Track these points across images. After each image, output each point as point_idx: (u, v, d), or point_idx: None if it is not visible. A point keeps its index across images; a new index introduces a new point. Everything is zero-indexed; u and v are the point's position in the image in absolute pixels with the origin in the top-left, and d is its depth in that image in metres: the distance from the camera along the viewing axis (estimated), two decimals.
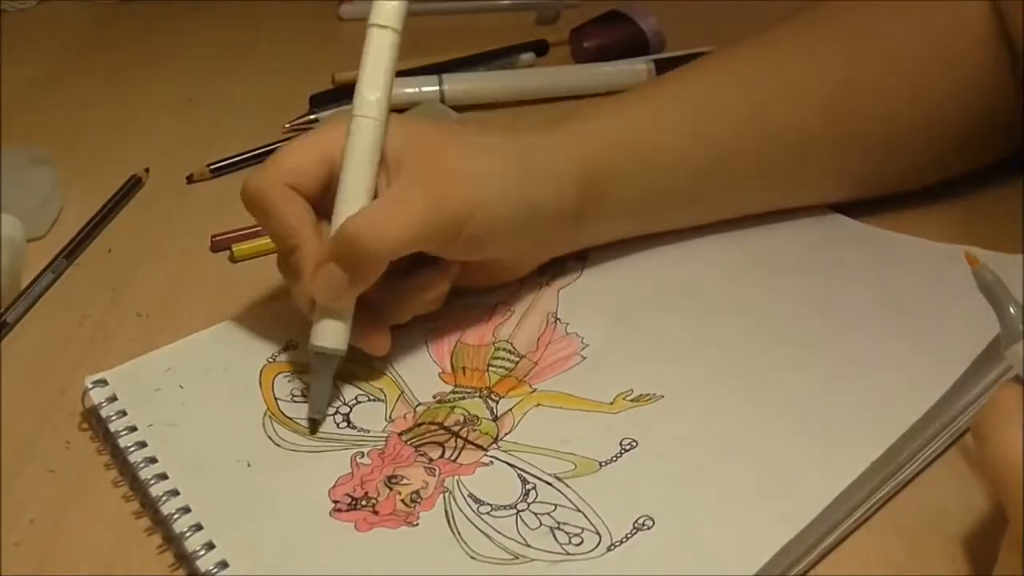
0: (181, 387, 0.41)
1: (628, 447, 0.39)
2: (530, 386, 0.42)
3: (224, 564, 0.34)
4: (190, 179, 0.57)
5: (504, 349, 0.44)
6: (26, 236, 0.51)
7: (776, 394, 0.41)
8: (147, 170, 0.57)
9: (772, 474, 0.37)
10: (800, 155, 0.48)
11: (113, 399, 0.41)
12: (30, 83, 0.66)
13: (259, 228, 0.52)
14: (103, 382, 0.41)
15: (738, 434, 0.39)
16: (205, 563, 0.34)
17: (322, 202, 0.41)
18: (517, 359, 0.44)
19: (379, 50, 0.41)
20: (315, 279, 0.39)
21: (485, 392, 0.42)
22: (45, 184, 0.54)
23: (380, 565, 0.35)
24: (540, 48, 0.69)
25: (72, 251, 0.51)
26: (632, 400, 0.41)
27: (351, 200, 0.40)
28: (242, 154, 0.59)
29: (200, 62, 0.69)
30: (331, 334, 0.40)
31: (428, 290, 0.43)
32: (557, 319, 0.46)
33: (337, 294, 0.39)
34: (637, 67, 0.65)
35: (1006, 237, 0.48)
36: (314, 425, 0.40)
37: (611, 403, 0.41)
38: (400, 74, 0.64)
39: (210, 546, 0.35)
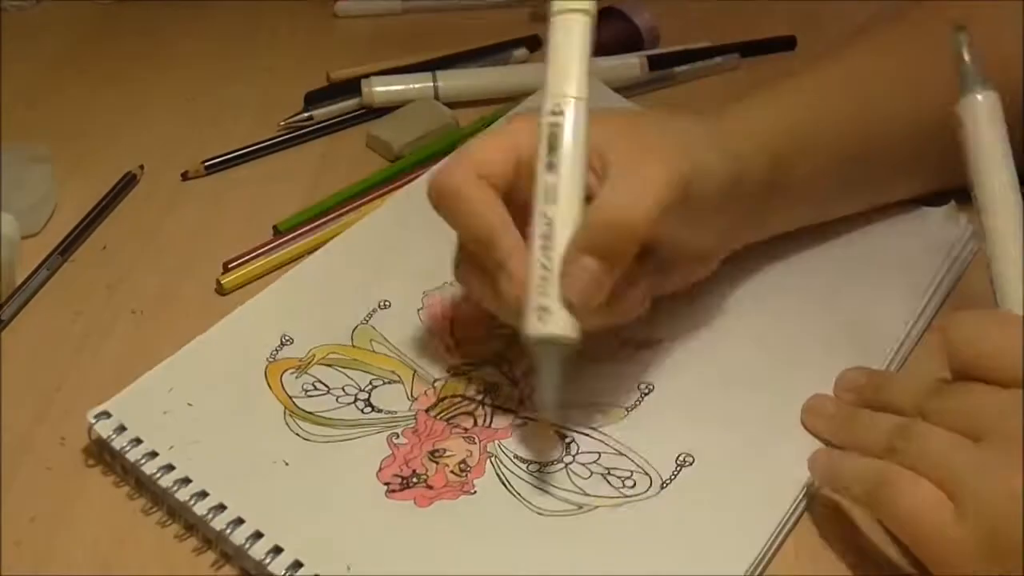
0: (190, 404, 0.41)
1: (647, 391, 0.42)
2: None
3: (298, 564, 0.35)
4: (185, 176, 0.57)
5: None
6: (21, 233, 0.51)
7: (769, 325, 0.44)
8: (142, 167, 0.58)
9: (786, 396, 0.41)
10: (936, 145, 0.46)
11: (122, 429, 0.40)
12: (27, 81, 0.66)
13: (255, 253, 0.51)
14: (106, 414, 0.40)
15: (743, 365, 0.42)
16: (277, 567, 0.35)
17: (513, 194, 0.39)
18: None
19: (572, 36, 0.39)
20: (570, 277, 0.36)
21: (495, 360, 0.43)
22: (40, 181, 0.54)
23: (454, 536, 0.36)
24: (533, 43, 0.69)
25: (67, 248, 0.52)
26: (636, 347, 0.43)
27: (574, 187, 0.37)
28: (237, 151, 0.59)
29: (196, 60, 0.69)
30: (556, 320, 0.37)
31: (641, 285, 0.40)
32: None
33: (598, 287, 0.37)
34: (630, 61, 0.65)
35: None
36: (546, 427, 0.39)
37: (617, 353, 0.43)
38: (393, 71, 0.65)
39: (277, 550, 0.35)
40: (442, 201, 0.39)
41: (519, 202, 0.39)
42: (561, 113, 0.38)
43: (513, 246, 0.38)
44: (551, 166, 0.37)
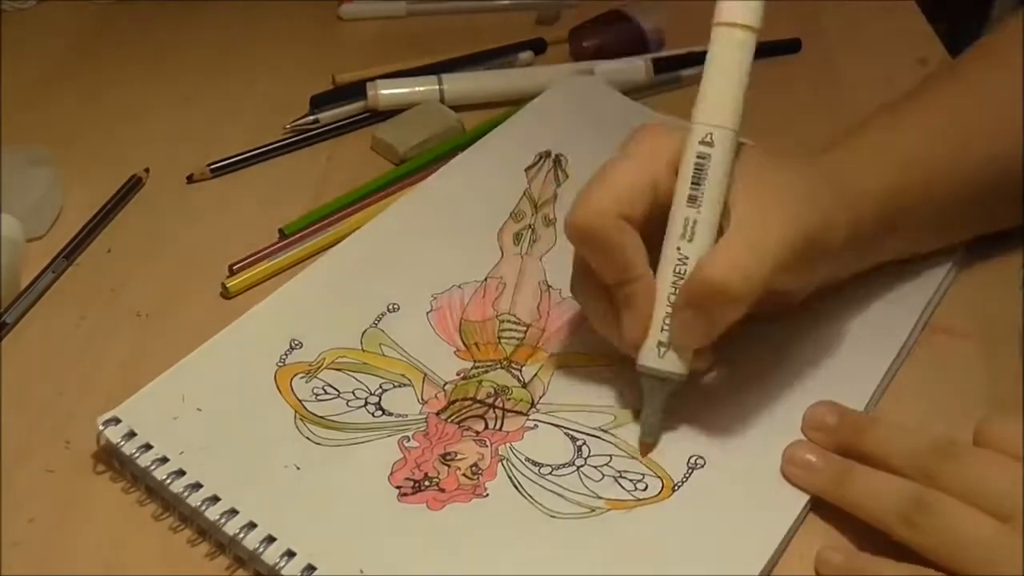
0: (199, 410, 0.41)
1: None
2: (546, 351, 0.44)
3: (311, 568, 0.35)
4: (190, 179, 0.57)
5: (509, 321, 0.45)
6: (26, 236, 0.51)
7: (777, 329, 0.44)
8: (147, 170, 0.57)
9: (794, 398, 0.41)
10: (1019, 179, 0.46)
11: (132, 435, 0.39)
12: (29, 83, 0.66)
13: (261, 255, 0.50)
14: (115, 420, 0.40)
15: (752, 367, 0.42)
16: (291, 570, 0.35)
17: (646, 227, 0.38)
18: (524, 328, 0.45)
19: (735, 57, 0.37)
20: (674, 323, 0.37)
21: (505, 363, 0.43)
22: (44, 184, 0.54)
23: (466, 538, 0.36)
24: (538, 47, 0.69)
25: (72, 251, 0.51)
26: None
27: (713, 225, 0.37)
28: (242, 154, 0.59)
29: (200, 61, 0.69)
30: (671, 357, 0.38)
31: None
32: (549, 286, 0.47)
33: (697, 339, 0.37)
34: (635, 64, 0.65)
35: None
36: (647, 449, 0.39)
37: (627, 356, 0.42)
38: (398, 74, 0.64)
39: (290, 554, 0.35)
40: (583, 240, 0.38)
41: (650, 229, 0.38)
42: (711, 144, 0.37)
43: (646, 289, 0.37)
44: (693, 200, 0.37)
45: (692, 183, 0.37)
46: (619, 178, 0.38)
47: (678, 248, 0.37)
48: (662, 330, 0.38)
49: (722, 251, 0.36)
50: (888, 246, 0.45)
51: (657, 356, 0.38)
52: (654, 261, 0.38)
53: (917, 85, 0.48)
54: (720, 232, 0.37)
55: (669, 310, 0.38)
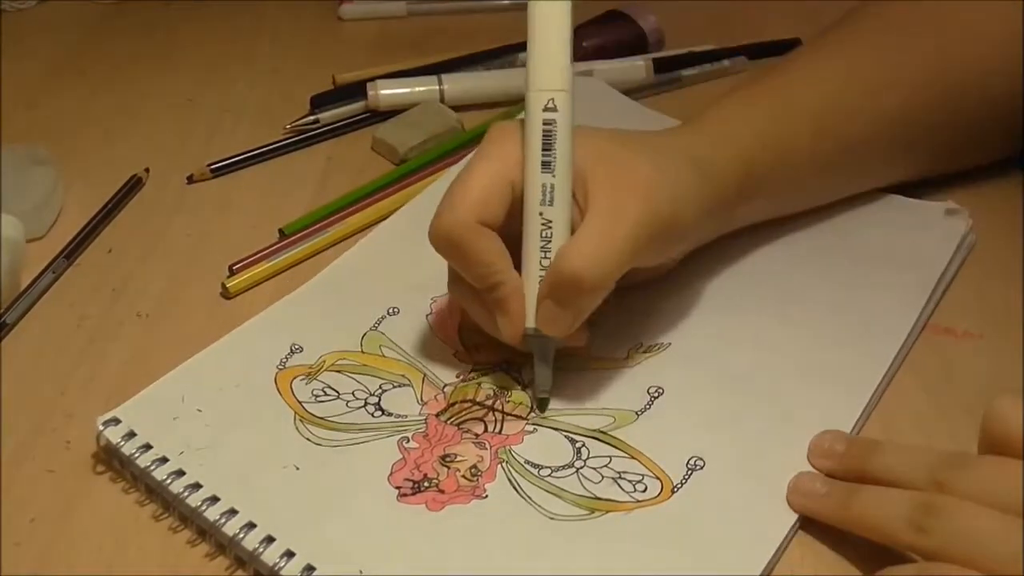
0: (199, 411, 0.41)
1: (656, 394, 0.42)
2: None
3: (310, 568, 0.35)
4: (190, 179, 0.57)
5: None
6: (26, 236, 0.51)
7: (777, 325, 0.44)
8: (147, 170, 0.57)
9: (795, 397, 0.41)
10: (903, 139, 0.49)
11: (131, 435, 0.39)
12: (30, 83, 0.66)
13: (261, 255, 0.50)
14: (115, 420, 0.40)
15: (751, 366, 0.42)
16: (290, 570, 0.35)
17: (506, 227, 0.39)
18: None
19: (553, 23, 0.38)
20: (540, 312, 0.39)
21: (505, 365, 0.43)
22: (45, 184, 0.54)
23: (466, 540, 0.36)
24: None
25: (72, 251, 0.51)
26: (644, 352, 0.43)
27: (568, 187, 0.39)
28: (242, 154, 0.59)
29: (200, 62, 0.69)
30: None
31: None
32: None
33: (566, 326, 0.39)
34: (635, 64, 0.65)
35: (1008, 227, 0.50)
36: (543, 404, 0.41)
37: (626, 357, 0.43)
38: (398, 75, 0.65)
39: (289, 554, 0.35)
40: (446, 250, 0.40)
41: (513, 227, 0.39)
42: (555, 110, 0.38)
43: (514, 290, 0.39)
44: (547, 165, 0.38)
45: (544, 149, 0.38)
46: (475, 183, 0.39)
47: (540, 213, 0.39)
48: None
49: (577, 243, 0.38)
50: (752, 210, 0.47)
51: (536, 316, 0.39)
52: (519, 258, 0.40)
53: (785, 56, 0.50)
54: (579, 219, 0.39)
55: (542, 275, 0.39)
